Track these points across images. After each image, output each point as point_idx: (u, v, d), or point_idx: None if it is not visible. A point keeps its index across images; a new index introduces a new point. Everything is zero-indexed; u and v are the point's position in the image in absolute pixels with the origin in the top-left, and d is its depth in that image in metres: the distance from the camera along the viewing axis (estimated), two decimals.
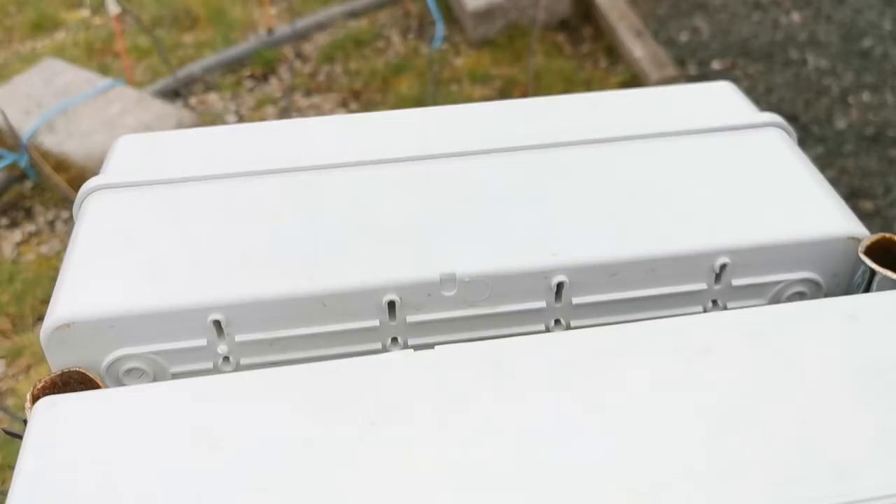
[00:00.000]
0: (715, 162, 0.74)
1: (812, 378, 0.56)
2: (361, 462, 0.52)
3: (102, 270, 0.64)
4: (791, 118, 2.58)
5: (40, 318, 2.22)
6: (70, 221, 2.47)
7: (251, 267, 0.64)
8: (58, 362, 0.63)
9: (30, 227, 2.46)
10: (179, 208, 0.69)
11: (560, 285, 0.65)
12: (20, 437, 0.64)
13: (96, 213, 0.69)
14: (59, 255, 2.35)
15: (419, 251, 0.65)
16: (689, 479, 0.50)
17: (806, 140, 2.51)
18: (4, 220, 2.48)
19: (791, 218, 0.68)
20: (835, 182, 2.38)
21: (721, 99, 0.81)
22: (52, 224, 2.46)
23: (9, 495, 0.53)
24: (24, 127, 2.39)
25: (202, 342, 0.63)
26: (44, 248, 2.39)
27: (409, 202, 0.70)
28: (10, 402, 2.03)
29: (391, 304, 0.64)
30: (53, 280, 2.23)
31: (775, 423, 0.54)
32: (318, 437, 0.53)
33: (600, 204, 0.70)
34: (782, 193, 0.71)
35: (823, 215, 0.68)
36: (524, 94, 2.65)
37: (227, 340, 0.64)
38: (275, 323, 0.64)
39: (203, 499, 0.50)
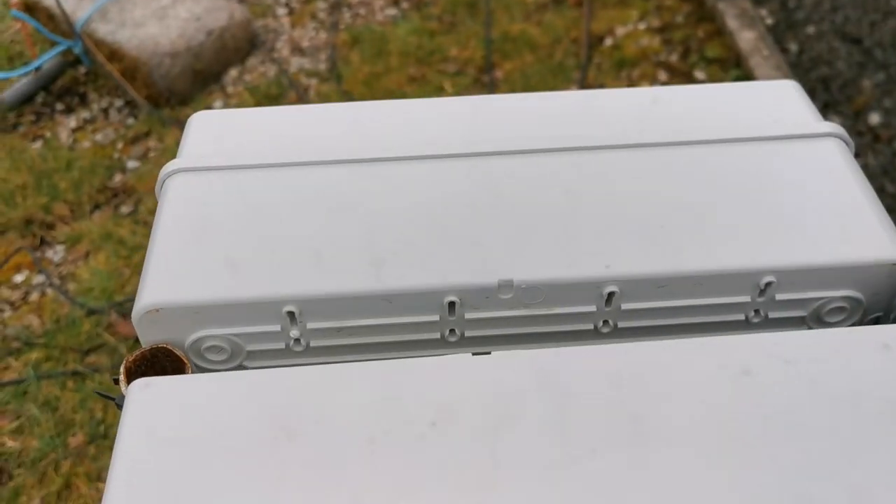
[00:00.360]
0: (770, 173, 0.76)
1: (842, 406, 0.61)
2: (421, 461, 0.58)
3: (186, 257, 0.70)
4: (855, 41, 2.50)
5: (97, 206, 2.31)
6: (123, 111, 2.52)
7: (323, 262, 0.69)
8: (147, 338, 0.69)
9: (84, 114, 2.51)
10: (255, 196, 0.74)
11: (611, 294, 0.69)
12: (111, 398, 0.71)
13: (177, 198, 0.74)
14: (114, 145, 2.41)
15: (480, 257, 0.69)
16: (715, 497, 0.56)
17: (867, 65, 2.45)
18: (60, 106, 2.53)
19: (838, 239, 0.71)
20: (892, 112, 2.33)
21: (784, 102, 0.82)
22: (105, 112, 2.50)
23: (111, 467, 0.60)
24: (78, 13, 2.40)
25: (276, 327, 0.69)
26: (98, 136, 2.45)
27: (470, 201, 0.74)
28: (70, 286, 2.14)
29: (451, 304, 0.69)
30: (109, 169, 2.31)
31: (801, 448, 0.59)
32: (384, 434, 0.60)
33: (653, 213, 0.73)
34: (834, 211, 0.73)
35: (871, 238, 0.71)
36: (579, 2, 2.59)
37: (299, 327, 0.69)
38: (343, 314, 0.69)
39: (278, 485, 0.57)
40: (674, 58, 2.50)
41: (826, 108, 2.38)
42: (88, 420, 1.85)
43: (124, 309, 2.02)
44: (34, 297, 2.13)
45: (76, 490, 1.77)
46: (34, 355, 1.98)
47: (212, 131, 0.80)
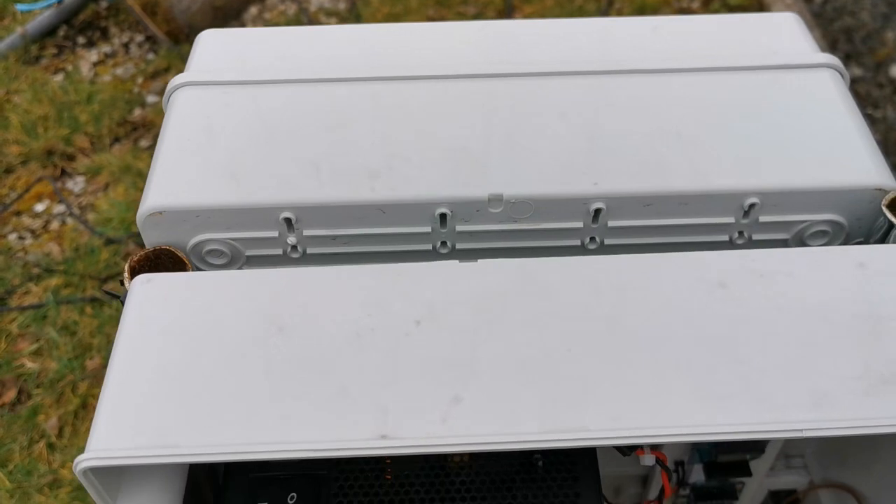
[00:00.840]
0: (762, 101, 0.77)
1: (812, 318, 0.63)
2: (404, 353, 0.61)
3: (189, 165, 0.72)
4: None
5: (117, 139, 2.34)
6: (143, 47, 2.54)
7: (320, 172, 0.72)
8: (151, 240, 0.72)
9: (105, 48, 2.54)
10: (258, 110, 0.76)
11: (598, 211, 0.72)
12: (116, 296, 0.75)
13: (182, 110, 0.76)
14: (134, 79, 2.44)
15: (472, 171, 0.72)
16: (680, 394, 0.58)
17: (891, 17, 2.41)
18: (81, 39, 2.56)
19: (824, 164, 0.72)
20: None
21: (782, 34, 0.82)
22: (126, 46, 2.53)
23: (111, 354, 0.64)
24: None
25: (274, 234, 0.72)
26: (119, 71, 2.48)
27: (467, 119, 0.76)
28: (90, 216, 2.19)
29: (443, 216, 0.71)
30: (129, 103, 2.34)
31: (768, 354, 0.61)
32: (370, 331, 0.63)
33: (644, 135, 0.74)
34: (821, 138, 0.74)
35: (856, 164, 0.72)
36: None
37: (296, 234, 0.72)
38: (338, 223, 0.72)
39: (268, 371, 0.60)
40: (696, 4, 2.48)
41: (848, 59, 2.36)
42: (105, 344, 1.91)
43: (141, 240, 2.07)
44: (54, 225, 2.18)
45: (93, 410, 1.83)
46: (54, 281, 2.04)
47: (220, 48, 0.83)
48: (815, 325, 0.62)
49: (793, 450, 0.88)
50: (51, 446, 1.78)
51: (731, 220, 0.73)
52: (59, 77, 2.48)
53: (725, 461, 0.80)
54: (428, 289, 0.65)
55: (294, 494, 0.68)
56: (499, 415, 0.58)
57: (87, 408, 1.85)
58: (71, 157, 2.30)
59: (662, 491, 0.71)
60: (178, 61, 2.42)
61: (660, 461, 0.67)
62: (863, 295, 0.64)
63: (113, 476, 0.60)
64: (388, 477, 0.70)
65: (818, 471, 0.88)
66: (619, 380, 0.60)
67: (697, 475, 0.85)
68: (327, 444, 0.57)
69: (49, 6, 2.53)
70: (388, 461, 0.71)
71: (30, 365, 1.91)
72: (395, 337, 0.62)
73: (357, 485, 0.70)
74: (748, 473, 0.82)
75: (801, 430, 0.57)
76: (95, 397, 1.88)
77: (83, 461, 0.56)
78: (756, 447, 0.79)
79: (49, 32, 2.56)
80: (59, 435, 1.80)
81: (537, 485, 0.69)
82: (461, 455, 0.71)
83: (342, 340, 0.62)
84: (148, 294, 0.65)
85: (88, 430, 1.96)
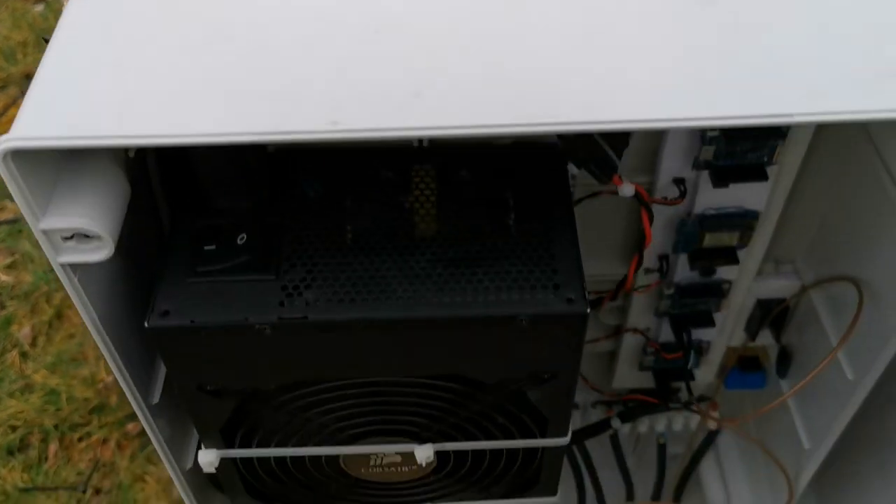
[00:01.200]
0: None
1: (805, 22, 0.58)
2: (361, 57, 0.57)
3: None
4: None
5: None
6: None
7: None
8: None
9: None
10: None
11: None
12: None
13: None
14: None
15: None
16: (662, 88, 0.54)
17: None
18: None
19: None
20: None
21: None
22: None
23: (45, 53, 0.59)
24: None
25: None
26: None
27: None
28: None
29: None
30: None
31: (758, 55, 0.56)
32: (325, 37, 0.58)
33: None
34: None
35: None
36: None
37: None
38: None
39: (214, 68, 0.56)
40: None
41: None
42: None
43: None
44: None
45: (68, 320, 1.79)
46: None
47: None
48: (809, 30, 0.58)
49: (783, 253, 0.84)
50: (24, 355, 1.73)
51: None
52: (40, 7, 2.44)
53: (710, 247, 0.76)
54: (390, 4, 0.61)
55: (244, 235, 0.63)
56: (463, 106, 0.53)
57: (61, 318, 1.80)
58: None
59: (643, 240, 0.66)
60: None
61: (639, 194, 0.63)
62: (862, 4, 0.60)
63: (40, 177, 0.55)
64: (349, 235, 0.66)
65: (810, 274, 0.83)
66: (596, 79, 0.55)
67: (683, 272, 0.80)
68: (274, 127, 0.52)
69: None
70: (348, 200, 0.66)
71: (4, 278, 1.86)
72: (352, 43, 0.58)
73: (314, 234, 0.65)
74: (735, 261, 0.77)
75: (791, 116, 0.52)
76: (71, 307, 1.83)
77: (4, 142, 0.51)
78: (745, 223, 0.74)
79: None
80: (33, 344, 1.75)
81: (509, 233, 0.65)
82: (427, 213, 0.67)
83: (294, 45, 0.57)
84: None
85: (63, 339, 1.90)
